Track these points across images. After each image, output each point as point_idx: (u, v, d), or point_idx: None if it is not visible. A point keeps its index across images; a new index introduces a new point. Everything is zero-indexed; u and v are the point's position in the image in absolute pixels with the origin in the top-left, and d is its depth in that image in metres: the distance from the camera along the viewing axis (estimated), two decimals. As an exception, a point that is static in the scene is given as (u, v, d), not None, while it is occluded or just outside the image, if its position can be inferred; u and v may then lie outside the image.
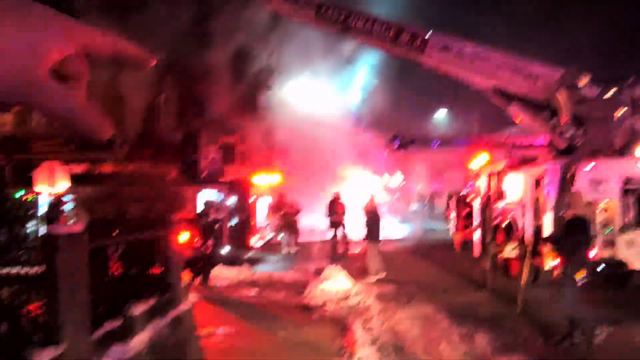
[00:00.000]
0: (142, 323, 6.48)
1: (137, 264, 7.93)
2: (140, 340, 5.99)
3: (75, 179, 12.79)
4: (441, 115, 39.06)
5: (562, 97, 9.30)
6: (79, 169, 15.43)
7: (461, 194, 17.10)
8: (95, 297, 5.73)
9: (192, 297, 8.88)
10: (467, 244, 15.16)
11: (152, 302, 7.12)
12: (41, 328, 4.73)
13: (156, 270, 8.18)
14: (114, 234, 8.08)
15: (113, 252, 7.66)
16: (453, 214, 16.76)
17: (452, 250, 15.76)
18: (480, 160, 15.99)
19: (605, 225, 7.58)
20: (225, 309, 8.49)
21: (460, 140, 26.81)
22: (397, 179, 38.34)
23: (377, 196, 15.31)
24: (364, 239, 11.20)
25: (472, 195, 16.05)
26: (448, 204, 18.68)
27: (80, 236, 5.08)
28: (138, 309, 6.68)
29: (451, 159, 35.33)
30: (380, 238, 11.39)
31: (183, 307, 8.20)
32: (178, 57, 19.58)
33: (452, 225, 16.72)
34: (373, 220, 11.30)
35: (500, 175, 12.57)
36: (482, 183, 14.96)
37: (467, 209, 15.40)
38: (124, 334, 5.82)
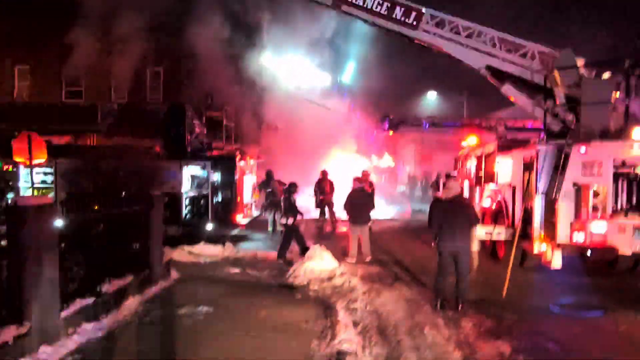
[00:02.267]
0: (117, 301, 6.26)
1: (116, 240, 7.68)
2: (113, 318, 5.78)
3: (56, 151, 12.42)
4: (431, 97, 38.79)
5: (556, 79, 9.09)
6: (61, 140, 15.01)
7: (450, 175, 16.92)
8: (67, 273, 5.49)
9: (174, 274, 8.68)
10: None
11: (129, 279, 6.91)
12: (4, 304, 4.48)
13: (136, 246, 7.94)
14: (92, 208, 7.80)
15: (90, 227, 7.38)
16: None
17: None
18: (469, 142, 15.81)
19: (596, 209, 7.44)
20: (207, 287, 8.28)
21: (450, 122, 26.71)
22: (386, 160, 38.21)
23: (369, 173, 15.07)
24: (350, 218, 10.94)
25: (460, 178, 15.91)
26: (437, 186, 18.54)
27: (49, 208, 4.80)
28: (113, 286, 6.45)
29: (440, 140, 35.33)
30: (371, 218, 11.13)
31: (163, 284, 8.01)
32: (165, 31, 19.08)
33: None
34: (363, 198, 11.04)
35: (490, 157, 12.39)
36: (471, 165, 14.81)
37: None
38: (97, 312, 5.61)
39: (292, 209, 10.77)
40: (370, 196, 11.16)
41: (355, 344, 5.59)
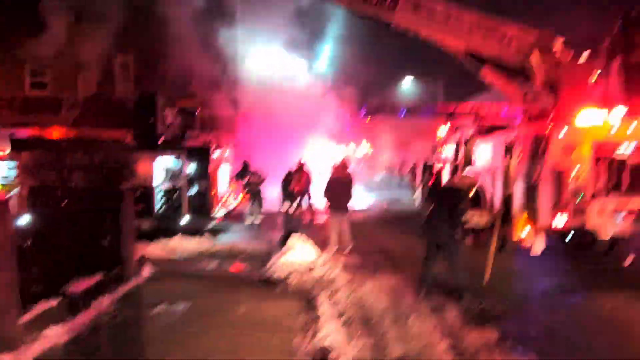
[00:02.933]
0: (86, 301, 5.90)
1: (84, 236, 7.28)
2: (82, 320, 5.42)
3: (20, 144, 11.82)
4: (407, 83, 38.72)
5: (535, 61, 8.96)
6: (24, 133, 14.33)
7: (427, 163, 16.89)
8: (28, 275, 5.11)
9: (147, 271, 8.32)
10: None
11: (97, 277, 6.54)
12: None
13: (105, 242, 7.56)
14: (58, 203, 7.39)
15: (56, 223, 6.99)
16: (420, 183, 16.53)
17: (419, 219, 15.56)
18: (447, 127, 15.73)
19: (576, 193, 7.37)
20: (183, 283, 7.96)
21: (427, 108, 26.72)
22: (363, 148, 38.11)
23: (349, 160, 14.84)
24: (330, 207, 10.69)
25: (439, 165, 15.85)
26: (415, 173, 18.47)
27: (3, 206, 4.41)
28: (81, 286, 6.09)
29: (417, 127, 35.36)
30: (350, 207, 10.91)
31: (136, 281, 7.65)
32: (133, 18, 18.41)
33: (418, 194, 16.51)
34: (343, 186, 10.79)
35: (468, 142, 12.30)
36: (449, 151, 14.73)
37: (434, 178, 15.18)
38: (63, 314, 5.25)
39: (291, 196, 10.72)
40: (351, 184, 10.92)
41: (339, 337, 5.37)
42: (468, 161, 12.27)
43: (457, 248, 7.17)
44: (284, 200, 12.73)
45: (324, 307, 6.54)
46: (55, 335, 4.89)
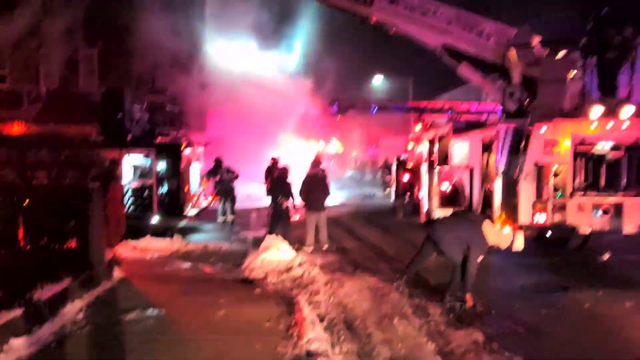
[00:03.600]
0: (53, 309, 5.51)
1: (48, 239, 6.86)
2: (49, 329, 5.04)
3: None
4: (378, 81, 38.80)
5: (512, 57, 8.96)
6: (-19, 129, 13.55)
7: (400, 159, 16.87)
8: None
9: (117, 274, 7.91)
10: (407, 208, 15.02)
11: (65, 283, 6.14)
12: None
13: (72, 245, 7.13)
14: (19, 204, 6.93)
15: (17, 225, 6.54)
16: (393, 180, 16.48)
17: (393, 215, 15.55)
18: (420, 124, 15.74)
19: (556, 189, 7.38)
20: (156, 286, 7.59)
21: (399, 105, 26.74)
22: (334, 145, 38.05)
23: (321, 156, 14.67)
24: (306, 205, 10.48)
25: (411, 161, 15.84)
26: (389, 169, 18.43)
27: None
28: (48, 292, 5.69)
29: (386, 124, 35.52)
30: (326, 204, 10.72)
31: (106, 285, 7.25)
32: (98, 9, 17.70)
33: (392, 191, 16.46)
34: (319, 183, 10.59)
35: (443, 139, 12.27)
36: (423, 148, 14.73)
37: (407, 174, 15.15)
38: (28, 324, 4.86)
39: (288, 192, 10.52)
40: (326, 181, 10.74)
41: (324, 342, 5.17)
42: (443, 158, 12.25)
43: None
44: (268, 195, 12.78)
45: (306, 309, 6.32)
46: (20, 347, 4.51)
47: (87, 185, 7.00)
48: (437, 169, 11.15)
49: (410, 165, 15.69)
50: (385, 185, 24.16)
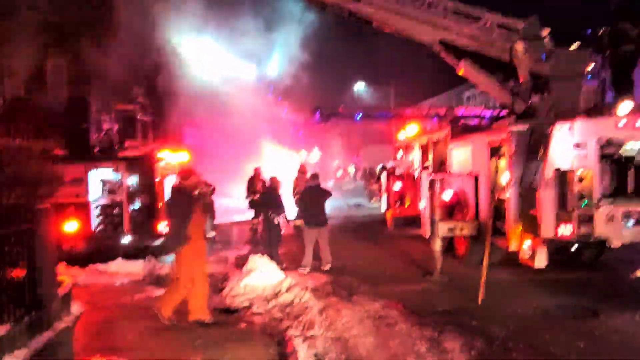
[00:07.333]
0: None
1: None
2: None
3: None
4: (360, 87, 38.19)
5: (520, 53, 8.12)
6: None
7: (389, 166, 16.00)
8: None
9: (76, 309, 6.71)
10: (399, 220, 14.10)
11: (7, 326, 4.97)
12: None
13: (18, 276, 5.92)
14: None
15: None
16: (383, 189, 15.54)
17: (384, 228, 14.61)
18: (409, 131, 14.86)
19: (581, 197, 6.49)
20: (122, 323, 6.51)
21: (384, 112, 25.90)
22: (315, 154, 37.24)
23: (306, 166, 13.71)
24: (306, 221, 9.46)
25: (401, 169, 14.97)
26: (378, 179, 17.53)
27: None
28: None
29: (367, 132, 34.85)
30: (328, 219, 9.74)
31: (60, 326, 6.04)
32: (66, 16, 16.57)
33: (383, 202, 15.51)
34: (320, 195, 9.56)
35: (439, 145, 11.41)
36: (415, 155, 13.87)
37: (399, 182, 14.21)
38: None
39: (280, 206, 9.62)
40: (327, 193, 9.72)
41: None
42: (439, 164, 11.39)
43: None
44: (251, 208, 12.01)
45: (301, 349, 5.29)
46: None
47: (34, 204, 5.84)
48: (437, 176, 10.23)
49: (399, 173, 14.80)
50: (371, 194, 23.30)
